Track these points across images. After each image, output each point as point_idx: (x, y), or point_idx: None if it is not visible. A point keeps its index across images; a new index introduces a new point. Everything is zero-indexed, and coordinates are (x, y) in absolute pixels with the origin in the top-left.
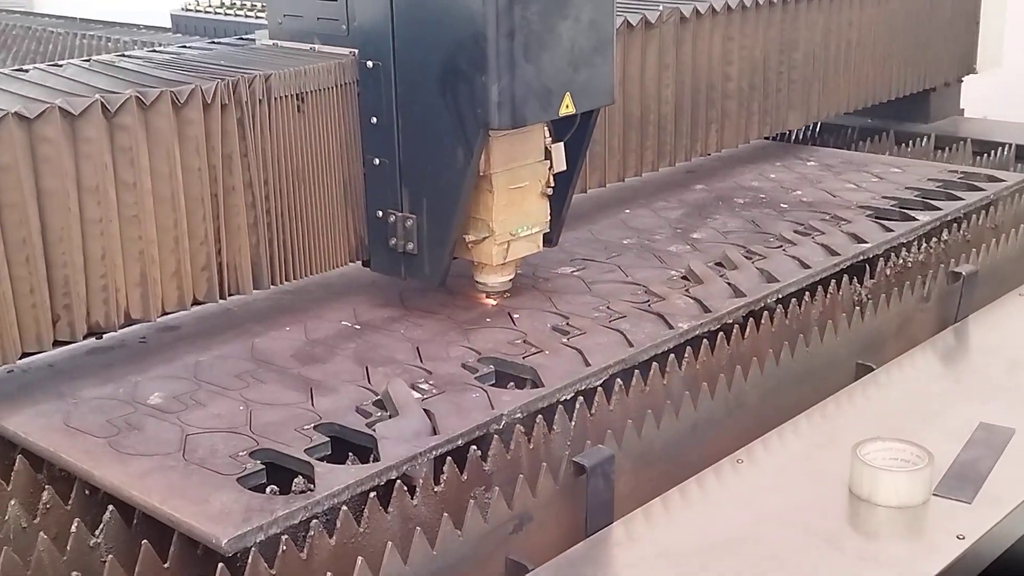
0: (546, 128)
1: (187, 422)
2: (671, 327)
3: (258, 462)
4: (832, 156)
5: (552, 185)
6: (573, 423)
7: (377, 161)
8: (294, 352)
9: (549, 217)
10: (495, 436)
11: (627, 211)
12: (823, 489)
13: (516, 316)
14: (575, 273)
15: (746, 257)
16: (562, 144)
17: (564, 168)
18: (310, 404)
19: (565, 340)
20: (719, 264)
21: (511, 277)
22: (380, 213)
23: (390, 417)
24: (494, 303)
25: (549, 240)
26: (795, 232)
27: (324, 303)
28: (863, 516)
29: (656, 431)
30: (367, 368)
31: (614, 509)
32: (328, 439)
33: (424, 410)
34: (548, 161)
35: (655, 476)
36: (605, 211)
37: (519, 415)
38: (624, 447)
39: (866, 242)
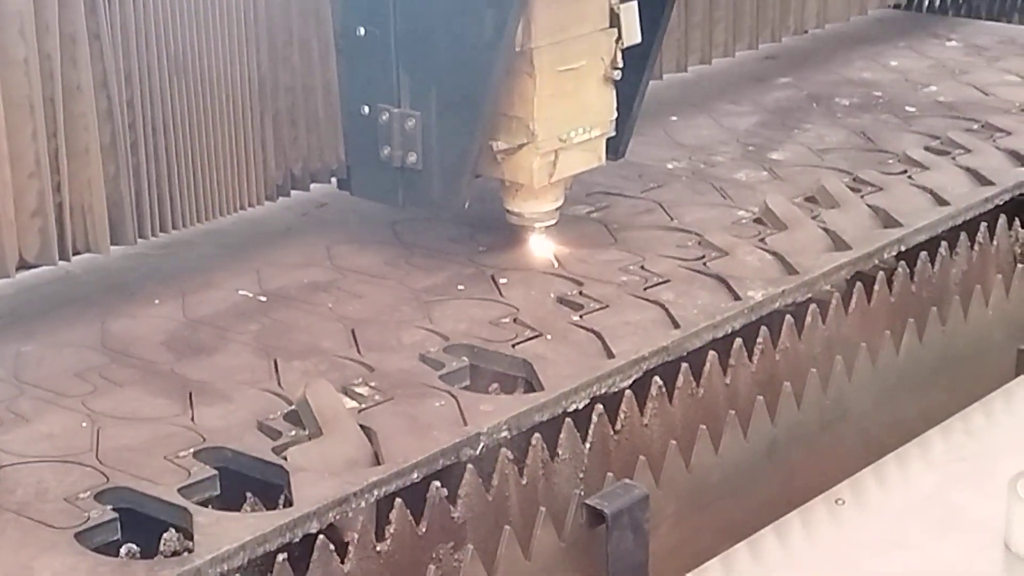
0: None
1: None
2: (738, 297)
3: (108, 508)
4: (983, 32)
5: (620, 66)
6: (588, 446)
7: (362, 31)
8: (165, 338)
9: (615, 115)
10: (469, 467)
11: (673, 118)
12: (966, 545)
13: (503, 281)
14: (593, 214)
15: (852, 189)
16: (635, 4)
17: (639, 40)
18: (188, 418)
19: (576, 318)
20: (811, 200)
21: (559, 204)
22: (366, 109)
23: (310, 438)
24: (540, 243)
25: (615, 149)
26: (926, 150)
27: (212, 262)
28: None
29: (713, 457)
30: (275, 362)
31: None
32: (215, 472)
33: (361, 427)
34: (615, 30)
35: (711, 525)
36: (640, 118)
37: (505, 434)
38: (665, 482)
39: None
